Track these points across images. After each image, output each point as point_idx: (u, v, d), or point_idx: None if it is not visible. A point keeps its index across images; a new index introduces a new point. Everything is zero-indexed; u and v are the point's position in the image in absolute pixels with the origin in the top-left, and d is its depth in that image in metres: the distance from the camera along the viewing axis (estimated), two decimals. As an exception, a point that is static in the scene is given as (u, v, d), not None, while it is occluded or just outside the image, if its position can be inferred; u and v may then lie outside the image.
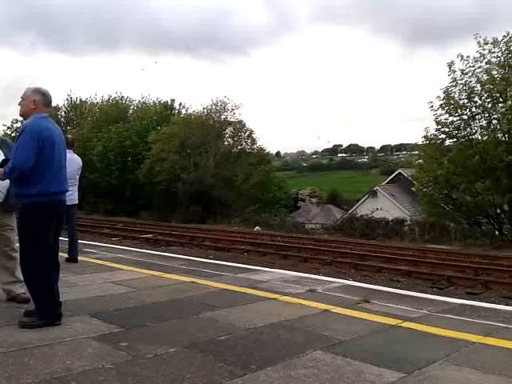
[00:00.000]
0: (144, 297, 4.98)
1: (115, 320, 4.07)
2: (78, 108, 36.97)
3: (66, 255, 6.85)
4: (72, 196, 6.62)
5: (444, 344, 3.63)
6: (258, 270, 6.95)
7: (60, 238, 4.19)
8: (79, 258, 7.11)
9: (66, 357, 3.22)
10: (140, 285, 5.58)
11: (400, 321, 4.21)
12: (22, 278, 4.19)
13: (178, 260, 7.77)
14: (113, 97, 35.22)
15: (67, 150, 4.79)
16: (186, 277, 6.06)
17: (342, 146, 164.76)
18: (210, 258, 9.79)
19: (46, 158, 3.83)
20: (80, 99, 37.22)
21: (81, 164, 7.25)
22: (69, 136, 7.06)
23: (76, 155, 7.23)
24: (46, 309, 3.89)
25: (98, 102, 36.10)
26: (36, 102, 4.00)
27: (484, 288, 8.99)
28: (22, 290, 4.51)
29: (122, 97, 35.10)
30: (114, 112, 32.29)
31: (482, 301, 6.55)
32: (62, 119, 36.35)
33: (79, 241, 7.49)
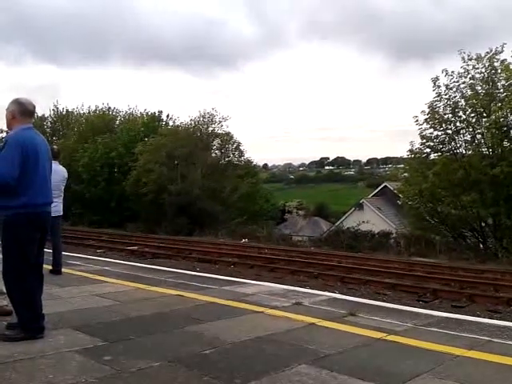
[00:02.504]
0: (129, 310, 4.93)
1: (99, 333, 4.02)
2: (64, 118, 36.75)
3: (50, 267, 6.78)
4: (57, 207, 6.57)
5: (428, 357, 3.65)
6: (245, 283, 6.93)
7: (44, 249, 4.15)
8: (63, 270, 7.04)
9: (49, 370, 3.17)
10: (125, 298, 5.53)
11: (385, 334, 4.22)
12: (4, 290, 4.13)
13: (165, 273, 7.72)
14: (99, 107, 35.09)
15: (52, 161, 4.76)
16: (173, 290, 6.02)
17: (328, 158, 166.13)
18: (197, 271, 9.72)
19: (30, 168, 3.78)
20: (66, 110, 37.09)
21: (66, 175, 7.20)
22: (54, 147, 7.01)
23: (61, 166, 7.18)
24: (28, 322, 3.83)
25: (84, 113, 35.95)
26: (13, 112, 3.95)
27: (469, 301, 9.05)
28: (4, 302, 4.43)
29: (109, 108, 34.95)
30: (101, 123, 32.09)
31: (466, 314, 6.59)
32: (48, 130, 36.07)
33: (64, 253, 7.42)
